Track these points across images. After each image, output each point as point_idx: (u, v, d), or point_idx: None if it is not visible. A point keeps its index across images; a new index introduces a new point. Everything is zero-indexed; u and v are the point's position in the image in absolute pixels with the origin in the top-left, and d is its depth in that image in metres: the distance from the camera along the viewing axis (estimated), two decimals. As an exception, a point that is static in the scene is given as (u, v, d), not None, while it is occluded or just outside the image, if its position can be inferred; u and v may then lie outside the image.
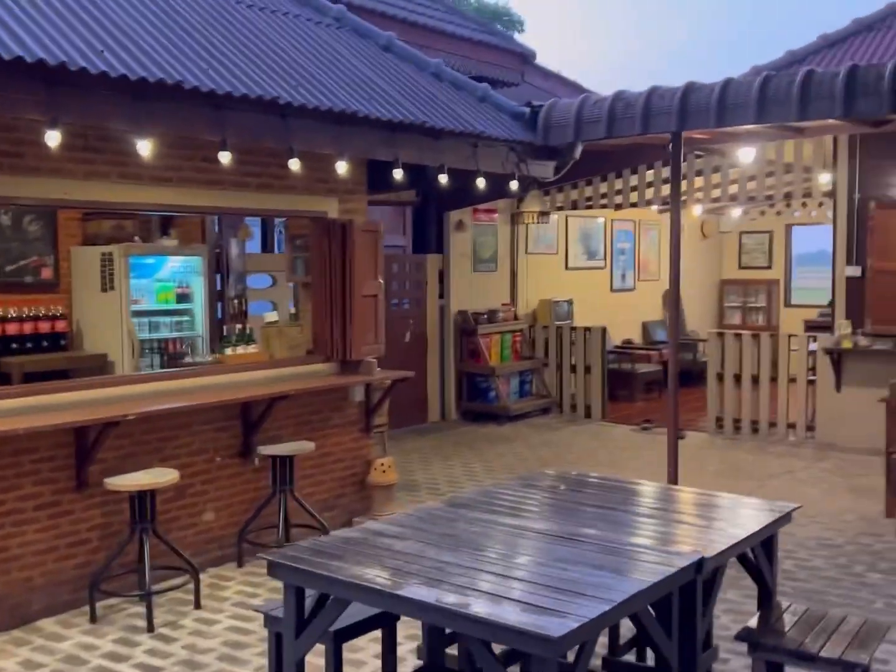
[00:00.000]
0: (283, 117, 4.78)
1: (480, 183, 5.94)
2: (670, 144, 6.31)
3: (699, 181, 9.94)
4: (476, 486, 7.53)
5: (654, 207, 11.44)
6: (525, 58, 13.20)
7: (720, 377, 9.78)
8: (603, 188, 10.42)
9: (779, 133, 8.15)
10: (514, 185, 6.19)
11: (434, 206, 10.36)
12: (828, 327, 13.06)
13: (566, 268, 12.20)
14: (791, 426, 9.38)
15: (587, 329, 10.76)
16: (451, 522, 3.40)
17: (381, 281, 6.30)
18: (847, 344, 8.73)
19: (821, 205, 14.01)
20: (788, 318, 14.56)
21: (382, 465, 6.42)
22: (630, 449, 9.05)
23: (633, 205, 10.39)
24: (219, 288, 7.78)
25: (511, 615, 2.48)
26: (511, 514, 3.53)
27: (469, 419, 10.51)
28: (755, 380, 9.55)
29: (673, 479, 6.55)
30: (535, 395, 11.01)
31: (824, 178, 9.20)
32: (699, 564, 2.95)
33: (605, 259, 12.92)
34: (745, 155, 7.43)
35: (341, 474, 6.46)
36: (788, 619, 3.25)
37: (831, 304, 9.17)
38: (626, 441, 9.46)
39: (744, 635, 3.14)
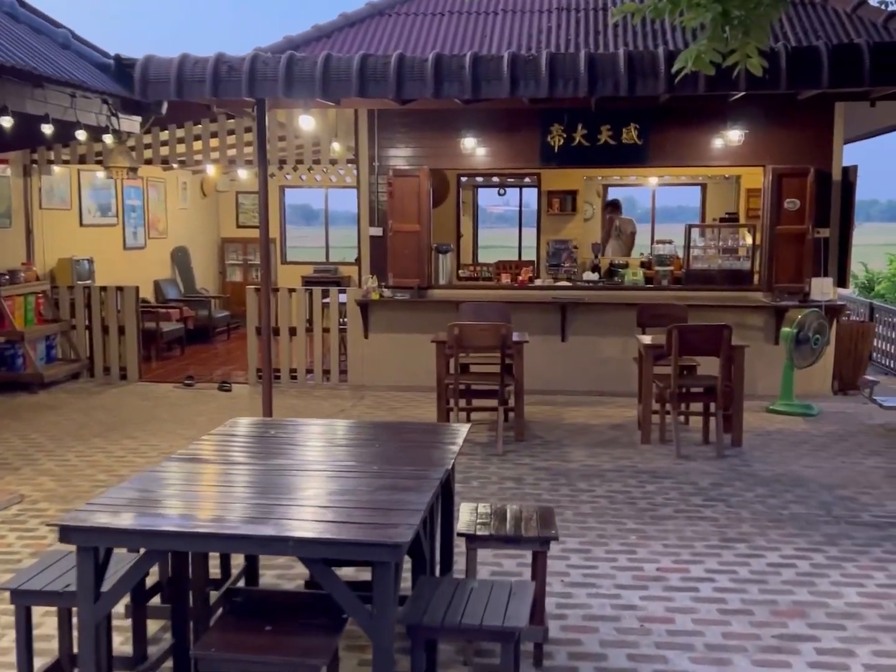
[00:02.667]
0: None
1: (81, 135, 5.66)
2: (254, 108, 6.64)
3: (231, 139, 10.31)
4: (54, 459, 7.14)
5: (172, 165, 11.51)
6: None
7: (258, 330, 10.31)
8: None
9: (319, 103, 8.88)
10: (108, 139, 5.98)
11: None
12: (323, 282, 14.40)
13: (81, 224, 11.65)
14: (326, 372, 10.33)
15: (119, 289, 10.50)
16: (211, 473, 3.50)
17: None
18: (375, 296, 9.88)
19: (310, 169, 15.25)
20: (286, 275, 15.59)
21: (-31, 441, 5.82)
22: (187, 405, 9.19)
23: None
24: None
25: (354, 534, 2.81)
26: (257, 458, 3.74)
27: (-8, 390, 9.65)
28: (292, 331, 10.30)
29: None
30: (64, 359, 10.45)
31: (348, 145, 10.18)
32: (446, 474, 3.54)
33: (117, 216, 12.55)
34: (305, 123, 8.01)
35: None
36: (484, 515, 4.00)
37: (358, 260, 10.24)
38: (178, 398, 9.56)
39: (463, 531, 3.81)
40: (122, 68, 6.13)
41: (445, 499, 4.07)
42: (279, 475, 3.51)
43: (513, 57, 5.75)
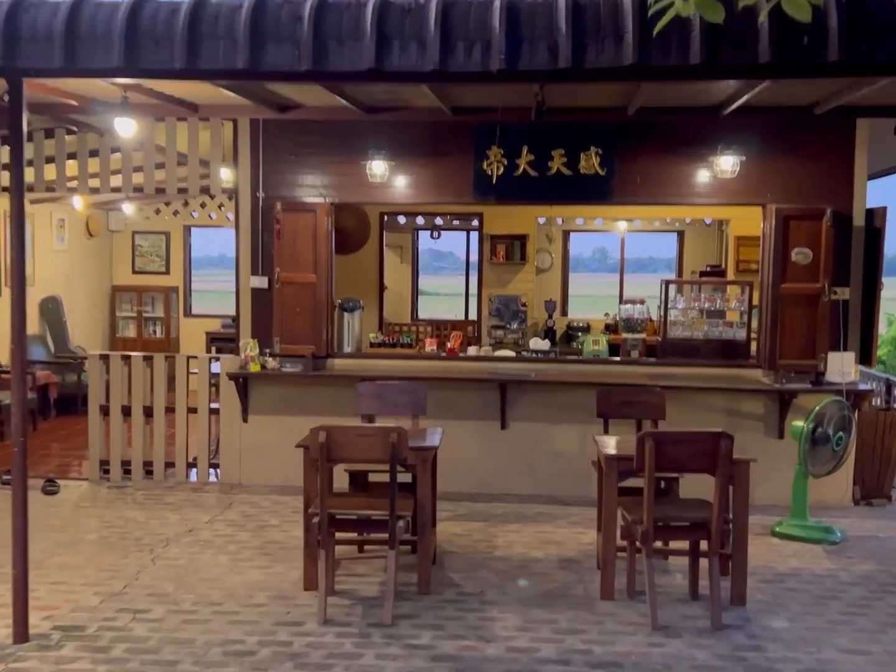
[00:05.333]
0: None
1: None
2: (5, 95, 4.29)
3: (71, 165, 7.89)
4: None
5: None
6: None
7: (105, 410, 7.89)
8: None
9: (167, 107, 6.56)
10: None
11: None
12: (233, 339, 12.02)
13: None
14: (192, 465, 7.88)
15: (-76, 353, 8.03)
16: None
17: None
18: (255, 367, 7.48)
19: (221, 206, 12.91)
20: (190, 330, 13.19)
21: None
22: (-20, 518, 6.67)
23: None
24: None
25: None
26: None
27: None
28: (148, 412, 7.86)
29: (22, 596, 4.53)
30: None
31: (224, 174, 7.84)
32: None
33: (-42, 259, 10.10)
34: (123, 127, 5.65)
35: None
36: None
37: (235, 319, 7.85)
38: (-23, 505, 7.04)
39: None
40: None
41: None
42: None
43: (382, 5, 3.44)
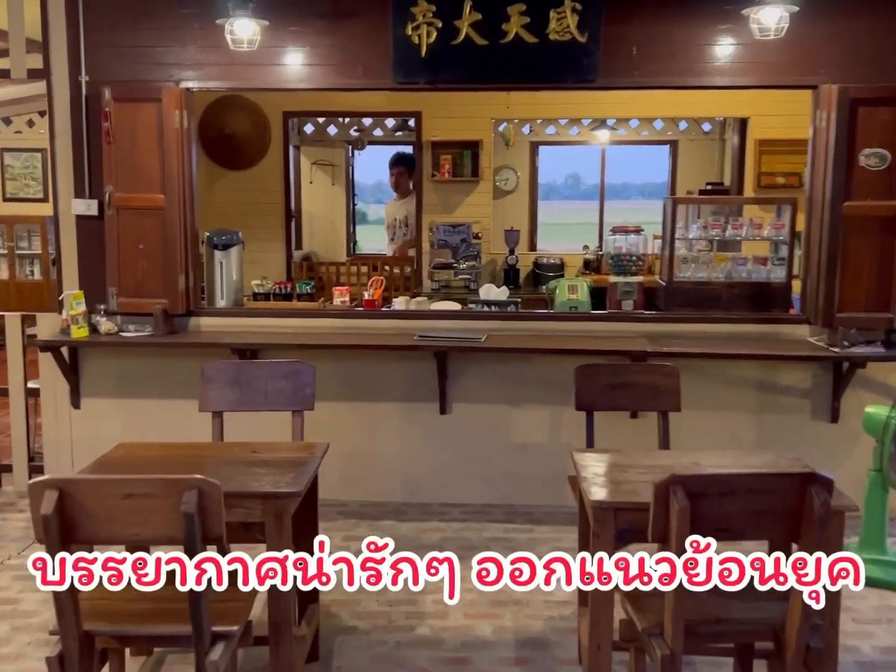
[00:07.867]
0: None
1: None
2: None
3: None
4: None
5: None
6: None
7: None
8: None
9: None
10: None
11: None
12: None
13: None
14: (7, 469, 5.60)
15: None
16: None
17: None
18: (80, 332, 5.15)
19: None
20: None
21: None
22: None
23: None
24: None
25: None
26: None
27: None
28: (-60, 395, 5.55)
29: None
30: None
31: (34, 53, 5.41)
32: None
33: None
34: None
35: None
36: None
37: (56, 262, 5.47)
38: None
39: None
40: None
41: None
42: None
43: None
